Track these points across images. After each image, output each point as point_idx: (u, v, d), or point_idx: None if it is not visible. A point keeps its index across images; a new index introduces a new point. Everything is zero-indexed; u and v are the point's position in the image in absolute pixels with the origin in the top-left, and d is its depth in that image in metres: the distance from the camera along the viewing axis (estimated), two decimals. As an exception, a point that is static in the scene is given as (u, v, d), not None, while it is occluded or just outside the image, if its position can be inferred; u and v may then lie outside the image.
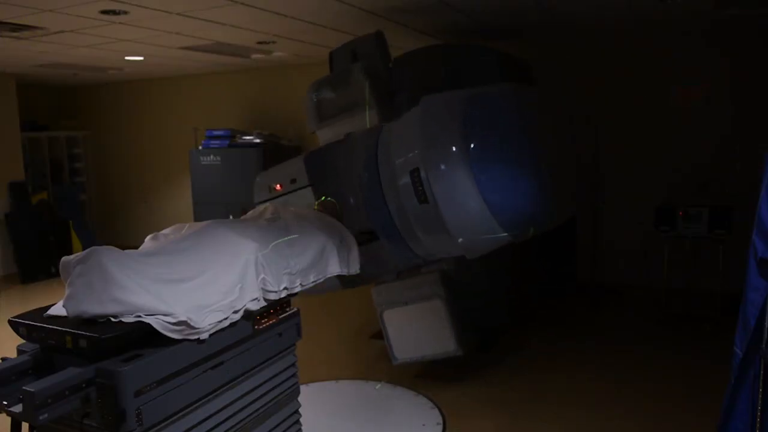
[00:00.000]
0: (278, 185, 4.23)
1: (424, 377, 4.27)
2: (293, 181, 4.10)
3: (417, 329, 4.10)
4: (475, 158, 3.22)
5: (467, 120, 3.31)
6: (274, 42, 5.71)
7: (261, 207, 2.94)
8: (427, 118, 3.44)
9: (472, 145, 3.24)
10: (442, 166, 3.27)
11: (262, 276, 2.34)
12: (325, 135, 4.44)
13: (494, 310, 4.82)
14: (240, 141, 7.20)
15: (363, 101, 4.18)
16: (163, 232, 2.52)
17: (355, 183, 3.72)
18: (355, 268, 2.90)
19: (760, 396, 2.26)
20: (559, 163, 3.74)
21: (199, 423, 2.09)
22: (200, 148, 7.41)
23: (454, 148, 3.23)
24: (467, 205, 3.23)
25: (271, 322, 2.45)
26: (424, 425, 3.60)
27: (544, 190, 3.41)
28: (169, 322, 1.94)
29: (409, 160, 3.40)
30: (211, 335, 2.09)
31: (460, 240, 3.32)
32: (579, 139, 5.66)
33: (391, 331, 4.15)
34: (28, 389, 1.66)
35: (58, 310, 2.03)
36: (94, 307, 1.91)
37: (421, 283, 4.07)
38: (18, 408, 1.73)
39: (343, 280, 4.09)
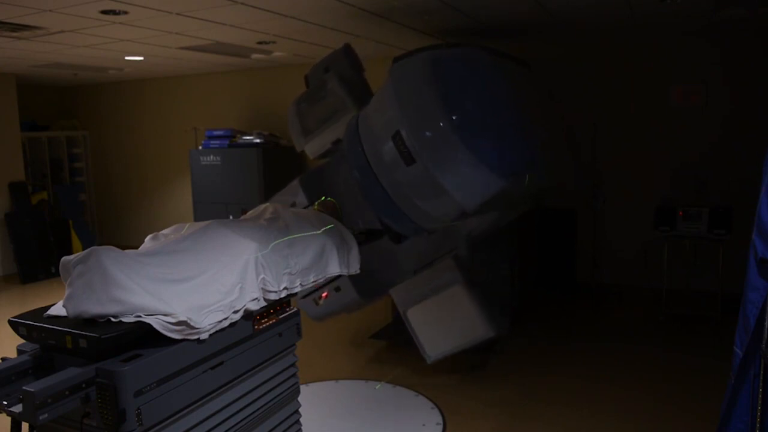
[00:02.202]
0: None
1: (424, 377, 4.27)
2: (293, 205, 4.14)
3: (444, 321, 4.00)
4: (461, 124, 3.25)
5: (439, 79, 3.36)
6: (274, 42, 5.71)
7: (261, 207, 2.93)
8: (399, 82, 3.47)
9: (454, 117, 3.27)
10: (428, 133, 3.28)
11: (262, 276, 2.34)
12: (313, 148, 4.52)
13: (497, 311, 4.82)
14: (240, 141, 7.21)
15: (342, 108, 4.24)
16: (163, 232, 2.52)
17: (348, 178, 3.74)
18: (355, 268, 2.90)
19: (760, 396, 2.26)
20: (545, 123, 3.85)
21: (199, 423, 2.09)
22: (200, 148, 7.41)
23: (441, 124, 3.24)
24: (459, 166, 3.26)
25: (271, 322, 2.45)
26: (424, 425, 3.61)
27: (531, 135, 3.49)
28: (169, 322, 1.94)
29: (389, 124, 3.40)
30: (211, 335, 2.09)
31: (456, 193, 3.32)
32: (574, 132, 5.69)
33: (419, 329, 4.05)
34: (28, 389, 1.66)
35: (58, 310, 2.03)
36: (94, 307, 1.91)
37: (437, 272, 4.00)
38: (18, 408, 1.73)
39: (365, 294, 4.08)
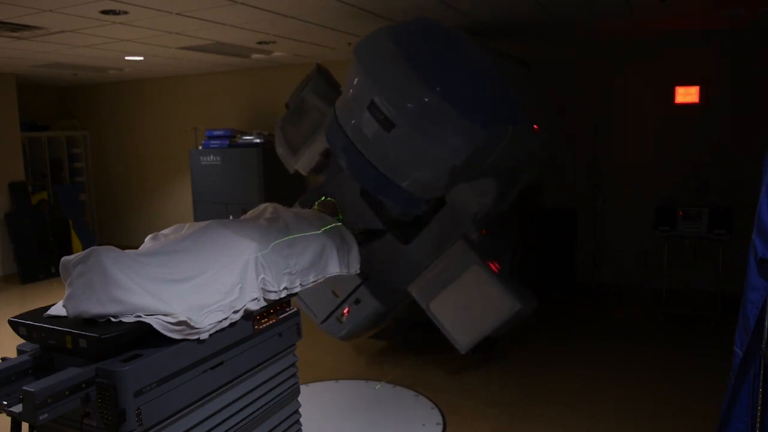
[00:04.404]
0: None
1: (424, 377, 4.27)
2: None
3: (469, 305, 3.90)
4: (444, 93, 3.31)
5: (402, 41, 3.47)
6: (274, 42, 5.71)
7: (261, 207, 2.93)
8: (363, 55, 3.54)
9: (437, 88, 3.34)
10: (409, 105, 3.31)
11: (262, 276, 2.34)
12: (303, 163, 4.59)
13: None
14: (240, 141, 7.21)
15: (323, 119, 4.32)
16: (163, 232, 2.52)
17: (345, 176, 3.76)
18: (355, 268, 2.90)
19: (760, 396, 2.27)
20: (525, 87, 4.15)
21: (199, 423, 2.09)
22: (200, 148, 7.41)
23: (427, 100, 3.29)
24: (440, 121, 3.32)
25: (271, 322, 2.45)
26: (424, 425, 3.61)
27: (508, 91, 3.65)
28: (169, 322, 1.94)
29: (362, 96, 3.44)
30: (211, 335, 2.09)
31: (440, 149, 3.35)
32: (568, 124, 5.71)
33: (446, 320, 3.95)
34: (28, 389, 1.66)
35: (58, 310, 2.03)
36: (94, 307, 1.91)
37: (451, 258, 3.95)
38: (18, 408, 1.73)
39: (385, 301, 4.08)
